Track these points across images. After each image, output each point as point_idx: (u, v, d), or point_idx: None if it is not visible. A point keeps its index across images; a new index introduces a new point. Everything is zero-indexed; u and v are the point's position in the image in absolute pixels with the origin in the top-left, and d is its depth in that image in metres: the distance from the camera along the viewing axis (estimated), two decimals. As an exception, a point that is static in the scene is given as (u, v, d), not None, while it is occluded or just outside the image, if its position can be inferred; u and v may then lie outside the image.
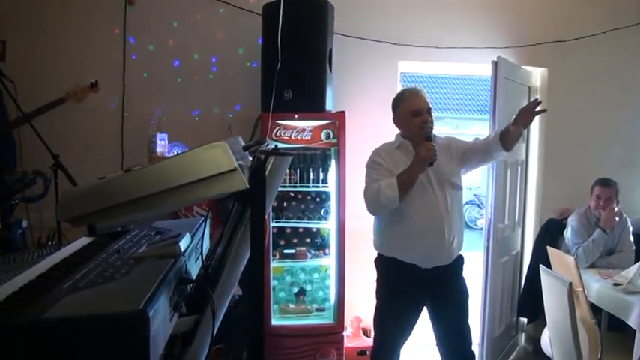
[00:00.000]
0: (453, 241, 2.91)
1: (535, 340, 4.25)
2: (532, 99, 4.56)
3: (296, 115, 3.73)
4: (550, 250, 3.60)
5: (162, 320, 1.11)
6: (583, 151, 4.56)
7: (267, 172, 1.59)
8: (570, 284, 2.87)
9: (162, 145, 3.88)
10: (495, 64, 3.77)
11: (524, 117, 2.78)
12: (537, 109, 2.79)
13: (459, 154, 3.01)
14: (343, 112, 3.80)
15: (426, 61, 4.41)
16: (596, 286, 3.49)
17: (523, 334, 4.72)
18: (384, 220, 3.01)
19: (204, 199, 1.50)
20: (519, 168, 4.44)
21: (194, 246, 1.59)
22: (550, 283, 3.16)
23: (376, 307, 3.11)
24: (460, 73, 4.70)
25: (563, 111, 4.50)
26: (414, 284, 2.93)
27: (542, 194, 4.62)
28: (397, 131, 3.09)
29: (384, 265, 3.05)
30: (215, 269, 1.58)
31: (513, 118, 2.84)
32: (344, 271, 3.82)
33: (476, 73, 4.45)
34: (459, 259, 3.02)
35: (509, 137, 2.83)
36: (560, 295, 2.94)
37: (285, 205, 3.94)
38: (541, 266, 3.35)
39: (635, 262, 3.74)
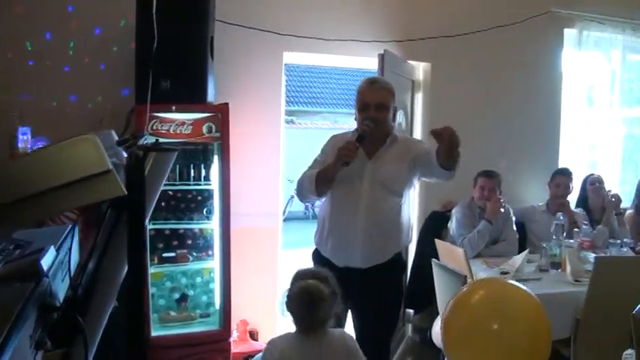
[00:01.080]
0: (373, 245, 2.74)
1: (422, 330, 4.26)
2: (416, 95, 4.68)
3: (174, 107, 3.42)
4: (438, 242, 3.59)
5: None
6: (465, 144, 4.58)
7: (146, 172, 1.34)
8: (465, 278, 2.84)
9: (24, 140, 3.42)
10: (382, 57, 3.71)
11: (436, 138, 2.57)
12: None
13: (412, 159, 2.81)
14: (226, 104, 3.55)
15: (311, 53, 4.26)
16: (483, 275, 3.51)
17: (410, 325, 4.73)
18: (320, 209, 2.99)
19: (68, 209, 1.22)
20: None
21: (60, 261, 1.31)
22: (443, 277, 3.14)
23: None
24: (346, 66, 4.58)
25: (445, 105, 4.56)
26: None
27: (425, 187, 4.65)
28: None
29: (314, 257, 2.95)
30: (86, 289, 1.33)
31: None
32: (229, 274, 3.58)
33: (362, 67, 4.39)
34: (382, 267, 2.79)
35: (439, 152, 2.61)
36: (454, 289, 2.91)
37: (163, 204, 3.61)
38: (433, 261, 3.33)
39: (519, 250, 3.87)
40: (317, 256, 2.91)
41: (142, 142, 1.46)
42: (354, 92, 2.96)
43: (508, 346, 1.82)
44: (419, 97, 4.68)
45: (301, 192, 2.82)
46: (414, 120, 4.65)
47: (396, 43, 4.35)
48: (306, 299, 2.18)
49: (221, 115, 3.50)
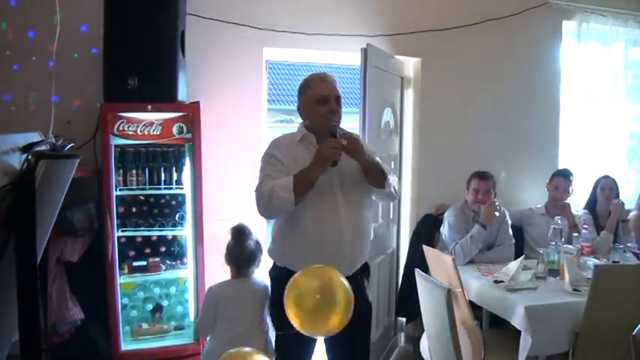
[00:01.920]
0: (353, 253, 2.50)
1: (415, 340, 4.05)
2: (405, 93, 4.44)
3: (145, 106, 3.22)
4: (426, 249, 3.35)
5: None
6: (458, 144, 4.40)
7: (37, 182, 1.11)
8: (449, 291, 2.61)
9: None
10: (365, 51, 3.46)
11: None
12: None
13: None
14: (197, 102, 3.34)
15: (292, 49, 4.02)
16: (476, 284, 3.28)
17: (402, 334, 4.52)
18: (279, 220, 2.58)
19: None
20: (392, 162, 4.20)
21: None
22: (426, 288, 2.91)
23: (275, 336, 2.64)
24: (329, 61, 4.35)
25: (436, 103, 4.36)
26: None
27: (417, 189, 4.42)
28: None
29: (276, 276, 2.56)
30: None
31: None
32: (203, 283, 3.36)
33: (345, 63, 4.14)
34: (359, 274, 2.58)
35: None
36: (437, 301, 2.68)
37: (133, 210, 3.42)
38: (417, 271, 3.09)
39: (515, 256, 3.63)
40: (285, 273, 2.45)
41: (43, 146, 1.22)
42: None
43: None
44: (409, 95, 4.44)
45: (270, 205, 2.38)
46: (404, 119, 4.41)
47: (383, 37, 4.12)
48: (235, 234, 2.90)
49: (192, 114, 3.27)
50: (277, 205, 2.36)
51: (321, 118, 2.47)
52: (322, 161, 2.35)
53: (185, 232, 3.43)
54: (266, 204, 2.39)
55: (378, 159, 2.56)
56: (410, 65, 4.42)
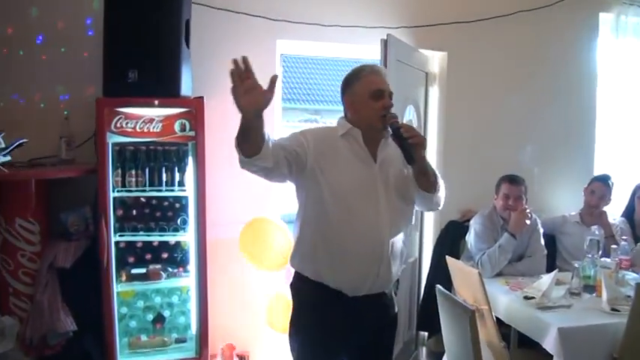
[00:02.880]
0: (391, 269, 2.23)
1: (437, 355, 3.74)
2: (430, 89, 4.14)
3: (148, 101, 2.97)
4: (450, 261, 3.06)
5: None
6: (487, 145, 4.08)
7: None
8: (473, 313, 2.31)
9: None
10: (385, 42, 3.18)
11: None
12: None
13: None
14: (201, 97, 3.08)
15: (308, 41, 3.75)
16: (504, 300, 2.99)
17: (424, 349, 4.22)
18: (307, 220, 2.24)
19: None
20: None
21: None
22: (448, 307, 2.62)
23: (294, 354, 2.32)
24: (348, 56, 4.07)
25: (463, 99, 4.06)
26: (337, 320, 2.20)
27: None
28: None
29: (308, 289, 2.25)
30: None
31: None
32: (206, 294, 3.13)
33: (365, 56, 3.85)
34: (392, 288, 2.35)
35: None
36: (460, 323, 2.39)
37: (134, 213, 3.18)
38: (437, 288, 2.80)
39: (547, 268, 3.34)
40: (319, 288, 2.19)
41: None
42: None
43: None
44: (434, 92, 4.14)
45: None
46: (428, 118, 4.11)
47: (406, 29, 3.83)
48: None
49: (195, 110, 3.02)
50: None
51: (375, 113, 2.17)
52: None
53: (187, 238, 3.18)
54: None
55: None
56: (435, 60, 4.12)
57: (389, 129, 2.14)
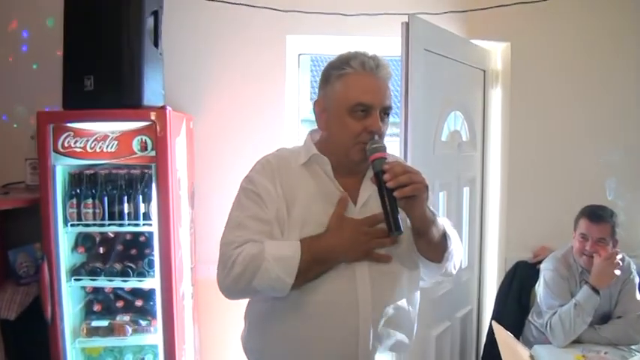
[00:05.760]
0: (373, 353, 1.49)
1: None
2: (490, 92, 3.26)
3: (94, 114, 2.38)
4: (497, 328, 2.19)
5: None
6: (564, 162, 3.12)
7: None
8: None
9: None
10: (407, 26, 2.36)
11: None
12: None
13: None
14: (164, 107, 2.43)
15: (325, 35, 3.02)
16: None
17: None
18: (262, 303, 1.54)
19: None
20: (469, 188, 3.04)
21: None
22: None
23: None
24: (378, 53, 3.23)
25: (532, 105, 3.12)
26: None
27: (506, 225, 3.20)
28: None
29: None
30: None
31: None
32: (174, 355, 2.45)
33: (398, 53, 3.03)
34: None
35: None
36: None
37: (98, 251, 2.60)
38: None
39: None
40: None
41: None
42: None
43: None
44: (495, 95, 3.24)
45: (243, 279, 1.38)
46: (487, 128, 3.22)
47: (455, 14, 2.99)
48: None
49: (157, 124, 2.36)
50: (260, 283, 1.38)
51: (351, 139, 1.45)
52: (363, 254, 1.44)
53: (154, 284, 2.53)
54: (239, 275, 1.38)
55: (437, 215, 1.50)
56: (497, 54, 3.22)
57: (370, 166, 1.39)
